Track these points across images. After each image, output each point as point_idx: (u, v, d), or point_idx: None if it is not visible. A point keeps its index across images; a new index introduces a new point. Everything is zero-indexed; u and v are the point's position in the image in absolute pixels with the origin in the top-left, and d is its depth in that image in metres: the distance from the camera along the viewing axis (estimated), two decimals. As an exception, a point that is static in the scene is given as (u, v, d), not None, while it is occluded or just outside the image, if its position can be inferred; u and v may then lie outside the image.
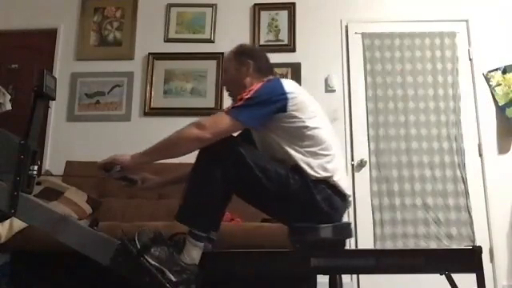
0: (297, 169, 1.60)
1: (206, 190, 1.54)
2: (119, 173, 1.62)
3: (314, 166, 1.60)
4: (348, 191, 1.68)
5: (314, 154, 1.62)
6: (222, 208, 1.61)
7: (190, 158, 1.63)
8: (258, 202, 1.66)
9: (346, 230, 1.69)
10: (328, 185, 1.61)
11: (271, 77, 1.81)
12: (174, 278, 1.46)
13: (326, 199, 1.59)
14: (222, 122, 1.57)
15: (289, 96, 1.62)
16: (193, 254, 1.53)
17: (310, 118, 1.64)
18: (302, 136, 1.63)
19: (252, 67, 1.81)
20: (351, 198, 1.73)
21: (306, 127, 1.63)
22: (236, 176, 1.55)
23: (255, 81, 1.76)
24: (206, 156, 1.58)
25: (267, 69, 1.86)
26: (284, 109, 1.61)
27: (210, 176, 1.54)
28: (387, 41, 3.55)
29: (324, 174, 1.60)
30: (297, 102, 1.63)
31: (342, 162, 1.73)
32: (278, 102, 1.61)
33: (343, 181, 1.66)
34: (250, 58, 1.83)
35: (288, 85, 1.67)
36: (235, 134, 1.68)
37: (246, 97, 1.61)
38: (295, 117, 1.62)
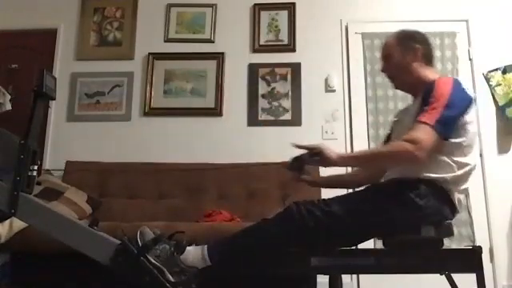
0: None
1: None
2: (314, 162, 1.61)
3: None
4: None
5: None
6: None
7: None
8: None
9: None
10: None
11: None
12: (172, 279, 1.46)
13: None
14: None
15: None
16: (194, 257, 1.52)
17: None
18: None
19: (420, 52, 1.77)
20: None
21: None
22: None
23: (422, 68, 1.76)
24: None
25: (432, 57, 1.82)
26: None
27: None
28: (387, 41, 3.54)
29: None
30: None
31: None
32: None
33: None
34: (418, 43, 1.79)
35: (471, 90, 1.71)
36: None
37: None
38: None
